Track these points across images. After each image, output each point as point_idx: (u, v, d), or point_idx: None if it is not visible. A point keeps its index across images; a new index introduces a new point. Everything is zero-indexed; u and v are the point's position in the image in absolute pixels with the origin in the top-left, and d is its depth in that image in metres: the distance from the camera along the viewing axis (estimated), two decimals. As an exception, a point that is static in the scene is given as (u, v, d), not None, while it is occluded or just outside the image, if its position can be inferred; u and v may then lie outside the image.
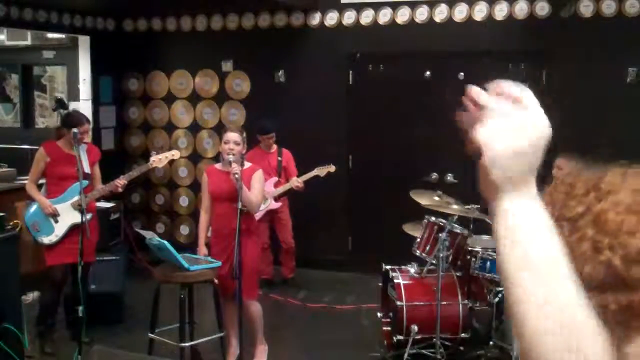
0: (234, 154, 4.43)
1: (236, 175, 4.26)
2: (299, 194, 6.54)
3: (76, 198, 4.87)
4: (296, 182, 6.37)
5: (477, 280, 5.10)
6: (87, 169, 5.01)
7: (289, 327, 5.87)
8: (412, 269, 5.05)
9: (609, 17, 6.26)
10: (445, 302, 4.76)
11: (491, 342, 4.84)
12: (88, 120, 5.11)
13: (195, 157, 7.93)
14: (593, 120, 6.27)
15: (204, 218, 4.68)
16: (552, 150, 1.00)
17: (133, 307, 5.83)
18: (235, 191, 4.29)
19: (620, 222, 0.89)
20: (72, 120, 5.01)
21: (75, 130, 4.85)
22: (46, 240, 4.96)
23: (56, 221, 4.97)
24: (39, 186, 5.15)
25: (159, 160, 5.18)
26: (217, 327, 4.57)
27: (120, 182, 5.03)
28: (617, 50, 6.24)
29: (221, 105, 7.74)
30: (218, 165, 4.75)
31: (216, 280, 4.45)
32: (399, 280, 4.93)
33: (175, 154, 5.33)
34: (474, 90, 0.96)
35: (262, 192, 4.74)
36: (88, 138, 5.49)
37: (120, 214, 6.99)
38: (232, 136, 4.51)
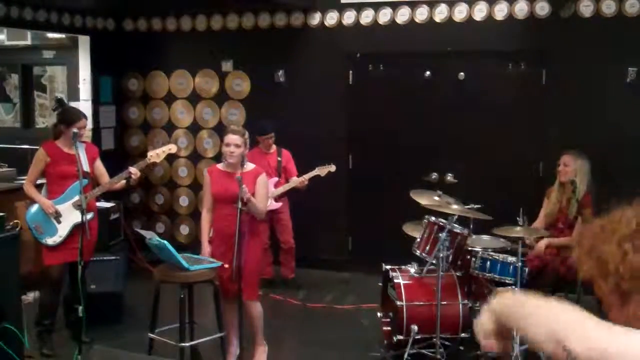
0: (235, 157, 4.43)
1: (246, 196, 4.27)
2: (299, 194, 6.54)
3: (77, 197, 4.86)
4: (302, 179, 6.38)
5: (477, 280, 5.10)
6: (86, 168, 5.00)
7: (289, 327, 5.87)
8: (412, 269, 5.05)
9: (609, 17, 6.26)
10: (445, 302, 4.76)
11: (491, 342, 4.83)
12: (85, 116, 5.08)
13: (195, 157, 7.93)
14: (593, 120, 6.27)
15: (206, 217, 4.65)
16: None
17: (133, 307, 5.83)
18: (238, 193, 4.28)
19: None
20: (68, 116, 5.00)
21: (75, 130, 4.86)
22: (50, 241, 4.95)
23: (59, 222, 4.96)
24: (38, 186, 5.14)
25: (156, 155, 5.16)
26: (217, 327, 4.56)
27: (133, 169, 4.99)
28: (617, 50, 6.24)
29: (221, 105, 7.74)
30: (220, 166, 4.73)
31: (226, 266, 4.41)
32: (399, 280, 4.93)
33: (172, 148, 5.31)
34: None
35: (267, 198, 4.73)
36: (88, 138, 5.47)
37: (120, 214, 6.97)
38: (233, 139, 4.49)
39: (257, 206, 4.41)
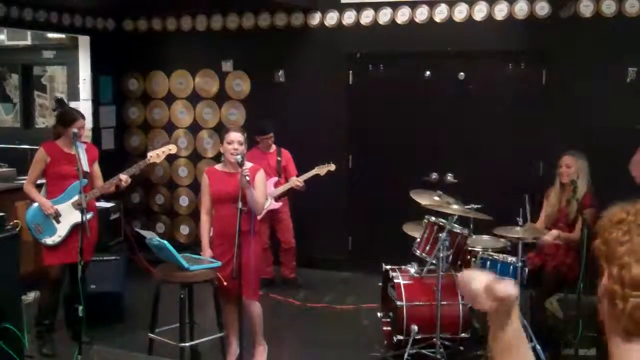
0: (238, 154, 4.42)
1: (247, 177, 4.25)
2: (299, 193, 6.54)
3: (76, 197, 4.87)
4: (296, 181, 6.38)
5: (477, 280, 5.08)
6: (86, 168, 5.00)
7: (289, 327, 5.87)
8: (412, 269, 5.05)
9: (609, 17, 6.26)
10: (445, 302, 4.76)
11: (491, 342, 4.83)
12: (82, 116, 5.07)
13: (195, 157, 7.94)
14: (593, 120, 6.27)
15: (205, 220, 4.62)
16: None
17: (133, 307, 5.82)
18: (239, 192, 4.27)
19: None
20: (65, 117, 5.00)
21: (75, 130, 4.86)
22: (49, 241, 4.95)
23: (58, 221, 4.96)
24: (39, 186, 5.14)
25: (156, 155, 5.16)
26: (217, 327, 4.56)
27: (123, 176, 5.01)
28: (617, 50, 6.24)
29: (221, 105, 7.74)
30: (218, 166, 4.72)
31: (225, 282, 4.41)
32: (399, 280, 4.93)
33: (172, 148, 5.31)
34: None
35: (265, 192, 4.73)
36: (88, 138, 5.47)
37: (120, 214, 6.98)
38: (236, 136, 4.50)
39: (257, 198, 4.41)
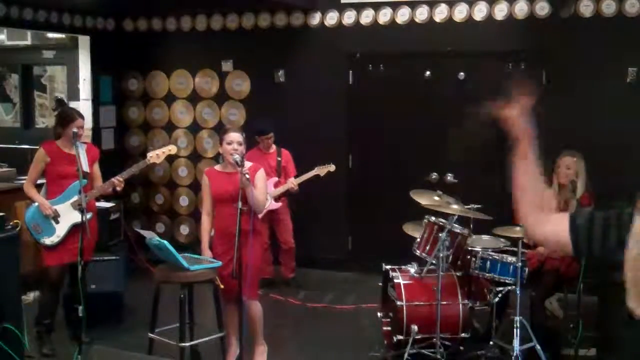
0: (237, 154, 4.42)
1: (247, 175, 4.25)
2: (298, 193, 6.54)
3: (76, 197, 4.87)
4: (291, 183, 6.37)
5: (477, 280, 5.10)
6: (86, 168, 5.00)
7: (289, 327, 5.87)
8: (412, 269, 5.05)
9: (609, 17, 6.26)
10: (445, 302, 4.76)
11: (491, 342, 4.84)
12: (81, 115, 5.07)
13: (195, 157, 7.94)
14: (593, 120, 6.27)
15: (206, 221, 4.62)
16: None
17: (133, 307, 5.83)
18: (239, 192, 4.26)
19: None
20: (63, 117, 5.00)
21: (74, 130, 4.86)
22: (48, 241, 4.95)
23: (57, 222, 4.96)
24: (39, 186, 5.14)
25: (156, 156, 5.16)
26: (217, 327, 4.56)
27: (118, 179, 5.00)
28: (617, 50, 6.24)
29: (221, 105, 7.74)
30: (218, 167, 4.73)
31: (222, 286, 4.41)
32: (399, 280, 4.93)
33: (172, 148, 5.30)
34: None
35: (266, 191, 4.74)
36: (88, 138, 5.46)
37: (120, 214, 6.96)
38: (236, 136, 4.51)
39: (258, 197, 4.41)
